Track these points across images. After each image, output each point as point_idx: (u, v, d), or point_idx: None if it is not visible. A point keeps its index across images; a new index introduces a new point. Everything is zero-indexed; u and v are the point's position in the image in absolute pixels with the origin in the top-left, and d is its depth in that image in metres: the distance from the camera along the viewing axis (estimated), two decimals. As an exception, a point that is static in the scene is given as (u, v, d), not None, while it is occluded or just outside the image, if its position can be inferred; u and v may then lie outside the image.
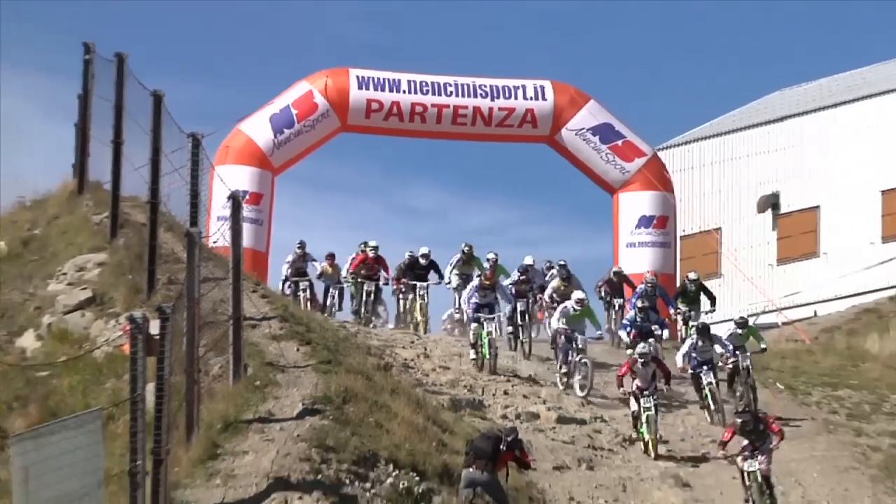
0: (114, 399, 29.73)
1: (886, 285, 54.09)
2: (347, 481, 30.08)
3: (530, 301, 44.49)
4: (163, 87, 35.39)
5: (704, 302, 47.34)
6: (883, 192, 58.99)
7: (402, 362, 40.15)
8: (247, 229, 37.82)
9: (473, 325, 41.57)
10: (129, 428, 27.46)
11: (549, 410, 38.03)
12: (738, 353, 40.32)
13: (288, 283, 49.33)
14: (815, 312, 55.34)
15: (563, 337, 41.66)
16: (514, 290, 44.60)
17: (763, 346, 40.85)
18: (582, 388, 40.84)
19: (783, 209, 61.16)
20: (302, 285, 48.85)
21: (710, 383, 39.39)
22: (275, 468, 29.60)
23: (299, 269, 49.31)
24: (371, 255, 44.83)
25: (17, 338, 34.40)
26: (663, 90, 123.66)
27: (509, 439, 31.39)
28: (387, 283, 46.01)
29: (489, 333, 40.73)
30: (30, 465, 26.79)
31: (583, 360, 41.02)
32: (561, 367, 42.05)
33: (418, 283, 44.34)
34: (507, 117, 54.11)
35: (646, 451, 36.10)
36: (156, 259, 33.87)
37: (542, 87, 54.37)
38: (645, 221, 54.04)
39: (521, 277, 44.92)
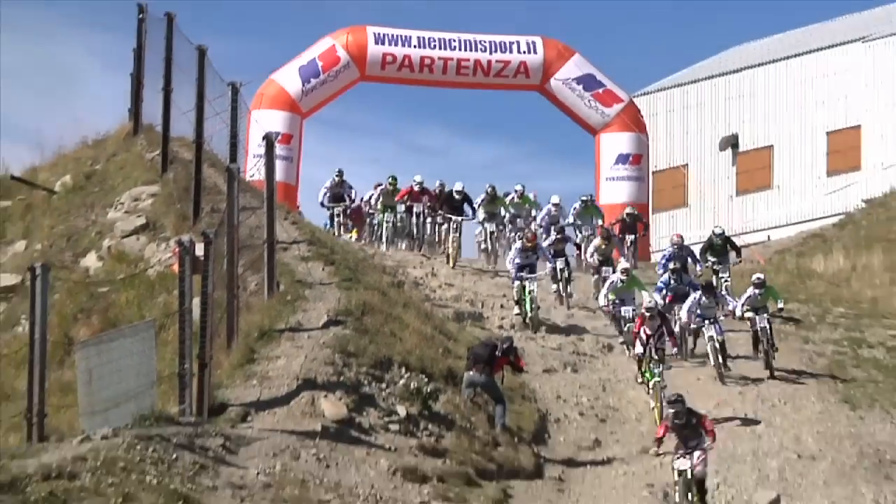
0: (165, 311, 29.87)
1: (830, 213, 54.03)
2: (366, 382, 30.25)
3: (568, 258, 41.83)
4: (205, 42, 35.61)
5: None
6: (828, 133, 59.02)
7: (413, 280, 40.18)
8: (279, 165, 38.00)
9: (516, 283, 39.14)
10: (177, 336, 27.69)
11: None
12: (757, 314, 36.16)
13: (326, 207, 48.38)
14: (769, 237, 55.34)
15: (611, 316, 38.56)
16: (552, 250, 41.38)
17: (780, 304, 37.12)
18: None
19: (741, 148, 61.18)
20: (337, 210, 47.83)
21: (712, 338, 35.19)
22: (303, 371, 29.75)
23: (336, 194, 48.21)
24: (416, 188, 43.56)
25: (81, 258, 34.51)
26: (639, 44, 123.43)
27: (505, 346, 31.68)
28: (431, 208, 44.26)
29: (531, 292, 38.50)
30: (92, 368, 26.97)
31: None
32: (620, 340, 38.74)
33: (452, 217, 42.13)
34: (503, 69, 54.26)
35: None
36: (200, 191, 33.95)
37: (534, 43, 54.51)
38: (622, 159, 54.19)
39: (558, 237, 42.36)
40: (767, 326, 35.12)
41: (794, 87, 59.81)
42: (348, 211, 48.60)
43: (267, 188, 33.96)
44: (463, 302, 38.62)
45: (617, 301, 38.36)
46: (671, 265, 39.33)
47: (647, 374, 33.30)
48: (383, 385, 30.38)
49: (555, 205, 47.09)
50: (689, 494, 27.79)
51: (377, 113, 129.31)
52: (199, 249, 28.02)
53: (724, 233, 40.87)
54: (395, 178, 47.31)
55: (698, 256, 41.80)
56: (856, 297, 43.91)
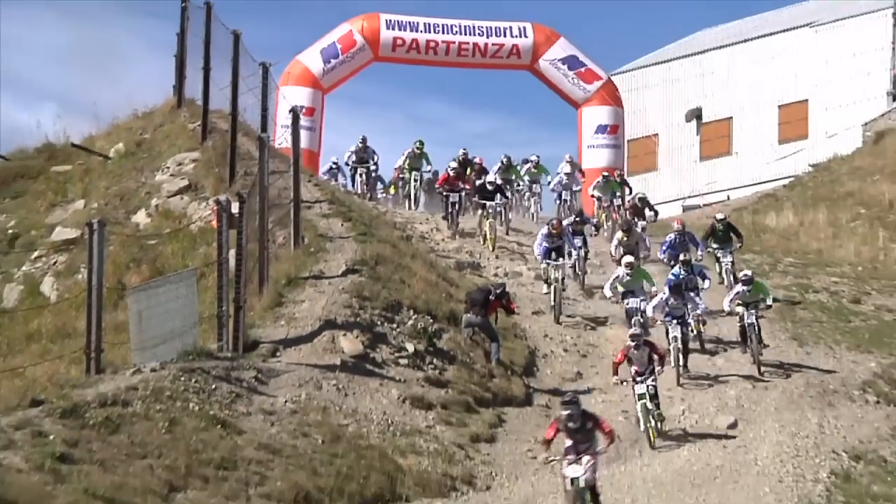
0: (205, 261, 29.88)
1: (781, 176, 53.89)
2: (379, 322, 30.33)
3: (586, 237, 38.48)
4: (239, 27, 35.60)
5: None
6: (779, 106, 58.87)
7: (419, 234, 40.11)
8: (303, 135, 38.01)
9: (543, 264, 36.08)
10: (216, 282, 27.76)
11: (528, 270, 37.96)
12: (747, 309, 31.70)
13: (350, 167, 47.52)
14: (728, 197, 55.13)
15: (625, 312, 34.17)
16: (571, 230, 37.62)
17: (769, 302, 31.90)
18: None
19: (705, 119, 60.91)
20: (360, 170, 46.99)
21: (676, 338, 30.86)
22: (324, 313, 29.85)
23: (361, 158, 47.31)
24: (453, 174, 41.35)
25: (132, 215, 34.51)
26: (616, 29, 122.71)
27: (498, 291, 31.91)
28: (467, 193, 41.54)
29: (556, 280, 35.18)
30: (142, 310, 27.05)
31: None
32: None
33: (487, 203, 39.73)
34: (497, 51, 54.14)
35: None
36: (235, 157, 33.95)
37: (525, 28, 54.37)
38: (601, 129, 54.10)
39: (577, 219, 38.97)
40: (755, 323, 31.42)
41: (750, 67, 59.62)
42: (372, 174, 47.76)
43: (293, 154, 34.26)
44: (463, 253, 38.55)
45: (624, 293, 34.65)
46: (672, 253, 36.07)
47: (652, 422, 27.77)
48: (394, 325, 30.49)
49: (566, 174, 46.21)
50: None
51: (388, 89, 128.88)
52: (235, 208, 28.20)
53: (726, 219, 37.74)
54: (421, 143, 46.69)
55: (700, 242, 37.60)
56: (803, 249, 43.89)
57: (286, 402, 26.36)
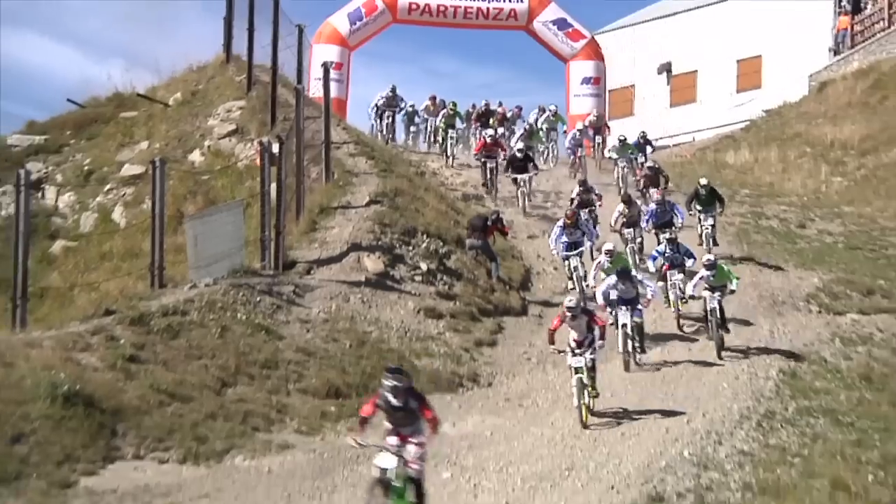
0: (250, 193, 29.86)
1: (739, 121, 53.73)
2: (397, 245, 30.40)
3: (594, 208, 33.99)
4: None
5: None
6: (737, 60, 58.67)
7: (432, 171, 40.08)
8: (333, 86, 37.94)
9: (566, 262, 31.23)
10: (259, 211, 27.75)
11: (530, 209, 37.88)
12: (712, 293, 27.22)
13: (377, 111, 46.42)
14: (694, 138, 54.88)
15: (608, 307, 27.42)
16: (578, 199, 34.10)
17: (733, 287, 27.33)
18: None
19: (674, 72, 60.64)
20: (387, 114, 46.20)
21: (625, 325, 25.97)
22: (351, 237, 29.92)
23: (390, 104, 46.60)
24: (489, 140, 38.64)
25: (188, 154, 34.54)
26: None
27: (493, 218, 32.12)
28: (504, 159, 38.30)
29: (576, 268, 30.67)
30: (198, 235, 27.12)
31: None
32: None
33: (518, 177, 36.78)
34: (498, 14, 53.91)
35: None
36: (275, 105, 33.88)
37: (523, -7, 54.36)
38: (586, 80, 53.96)
39: (581, 189, 34.63)
40: (717, 307, 26.94)
41: (713, 28, 59.31)
42: (399, 118, 47.32)
43: (324, 103, 34.23)
44: (468, 187, 38.52)
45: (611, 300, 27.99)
46: (668, 234, 30.72)
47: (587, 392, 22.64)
48: (410, 247, 30.55)
49: (579, 130, 44.38)
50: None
51: (405, 47, 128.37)
52: (275, 148, 28.27)
53: (709, 184, 33.85)
54: (455, 104, 45.28)
55: (685, 206, 33.61)
56: (757, 182, 43.76)
57: (319, 312, 26.55)
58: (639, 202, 34.99)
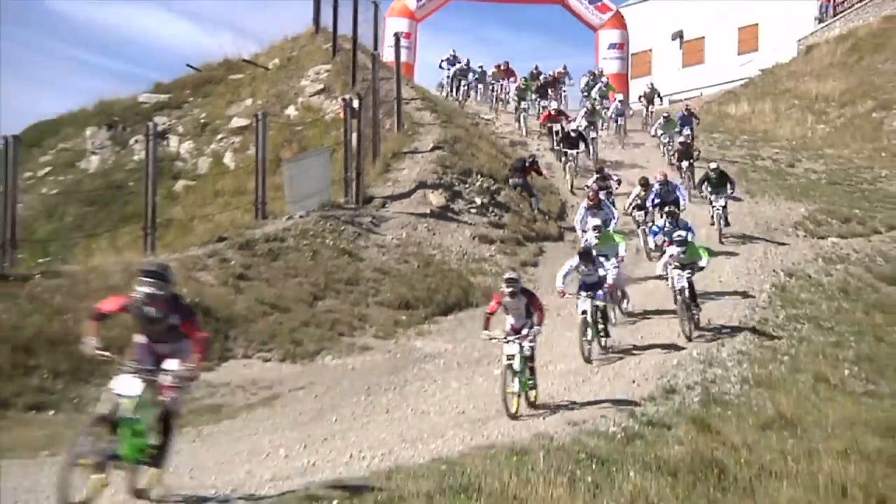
0: (335, 141, 29.79)
1: (739, 78, 53.19)
2: (456, 183, 30.35)
3: (611, 190, 29.26)
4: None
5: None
6: (738, 28, 58.22)
7: (485, 122, 39.90)
8: (403, 52, 37.76)
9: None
10: (343, 156, 27.72)
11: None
12: (682, 271, 22.74)
13: (453, 79, 44.45)
14: (701, 94, 54.29)
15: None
16: (596, 186, 28.52)
17: (702, 264, 22.91)
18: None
19: (685, 38, 60.28)
20: (463, 83, 44.06)
21: (585, 312, 20.77)
22: (418, 177, 29.96)
23: (464, 73, 44.38)
24: (553, 112, 36.90)
25: (285, 109, 34.52)
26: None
27: (529, 161, 32.11)
28: (570, 123, 35.66)
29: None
30: (293, 175, 27.16)
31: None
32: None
33: (569, 151, 33.62)
34: (539, -9, 53.73)
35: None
36: (356, 68, 33.82)
37: (558, -25, 53.96)
38: (612, 46, 53.55)
39: (598, 177, 29.58)
40: (686, 286, 22.20)
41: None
42: (470, 84, 45.25)
43: (396, 66, 34.20)
44: (514, 135, 38.32)
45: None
46: (656, 201, 28.19)
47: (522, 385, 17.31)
48: (466, 185, 30.50)
49: (620, 101, 42.61)
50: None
51: (462, 19, 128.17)
52: (356, 104, 28.23)
53: (718, 167, 30.22)
54: (525, 79, 43.29)
55: (696, 187, 31.30)
56: (753, 129, 43.45)
57: (392, 238, 26.59)
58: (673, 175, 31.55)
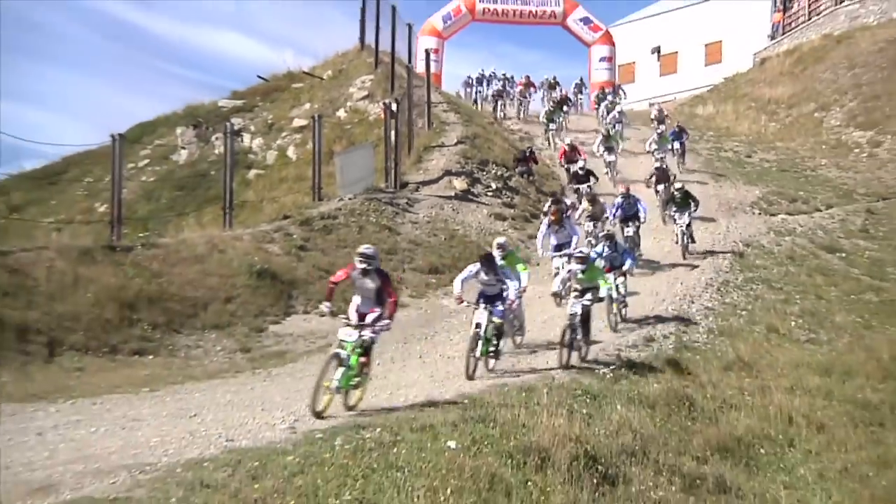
0: (378, 137, 29.66)
1: (705, 85, 52.90)
2: (476, 171, 30.34)
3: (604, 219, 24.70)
4: (397, 4, 35.23)
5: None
6: (705, 44, 57.87)
7: (498, 122, 39.69)
8: (432, 64, 37.31)
9: (554, 261, 21.81)
10: (384, 149, 27.63)
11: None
12: (580, 297, 16.98)
13: (493, 99, 41.47)
14: (675, 98, 53.99)
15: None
16: (588, 214, 24.40)
17: (602, 294, 17.07)
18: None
19: (662, 53, 59.94)
20: (501, 102, 40.51)
21: (479, 325, 15.61)
22: (444, 165, 29.96)
23: (500, 93, 41.23)
24: (568, 148, 31.32)
25: (336, 112, 34.34)
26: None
27: (529, 151, 32.48)
28: (584, 163, 29.83)
29: (558, 269, 20.67)
30: (343, 165, 27.07)
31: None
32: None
33: (580, 187, 28.47)
34: (542, 14, 52.92)
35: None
36: (394, 77, 33.62)
37: (559, 1, 53.22)
38: (602, 59, 52.88)
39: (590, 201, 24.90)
40: (578, 312, 16.45)
41: (688, 22, 58.53)
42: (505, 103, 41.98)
43: (426, 76, 34.15)
44: (521, 133, 38.09)
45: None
46: (630, 228, 23.95)
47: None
48: (485, 172, 30.43)
49: (619, 111, 38.75)
50: None
51: (479, 37, 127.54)
52: (394, 107, 28.15)
53: (683, 187, 25.86)
54: (555, 101, 39.61)
55: (661, 207, 27.12)
56: (718, 127, 43.26)
57: (424, 216, 26.54)
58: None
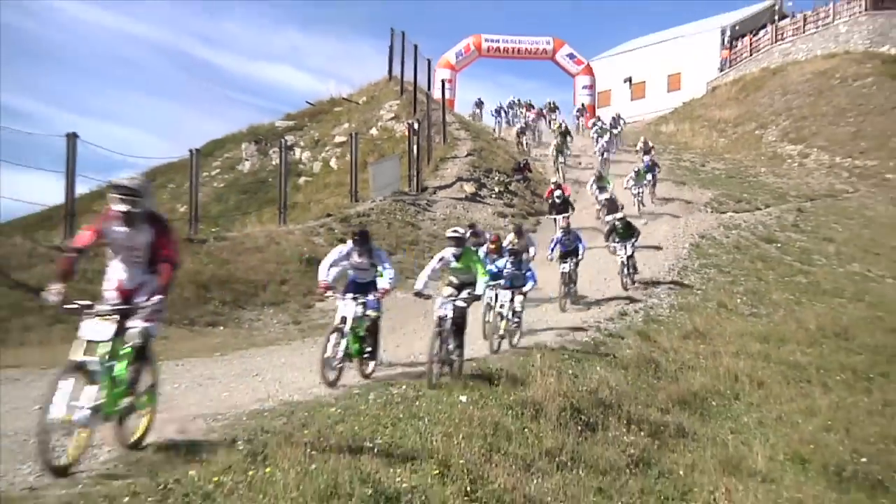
0: (403, 150, 29.64)
1: (669, 108, 52.69)
2: (482, 178, 30.18)
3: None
4: (417, 40, 35.13)
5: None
6: (668, 75, 57.62)
7: (502, 139, 39.48)
8: (447, 92, 37.42)
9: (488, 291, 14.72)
10: (407, 160, 27.55)
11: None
12: (450, 298, 11.90)
13: (519, 132, 37.41)
14: (644, 118, 53.83)
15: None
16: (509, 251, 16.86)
17: (478, 290, 11.88)
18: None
19: (633, 82, 59.61)
20: (527, 135, 37.46)
21: (344, 321, 11.18)
22: (457, 173, 29.85)
23: (524, 131, 37.59)
24: (554, 186, 26.34)
25: (370, 130, 34.11)
26: (592, 38, 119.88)
27: (522, 163, 32.29)
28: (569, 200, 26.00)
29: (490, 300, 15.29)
30: (375, 172, 27.04)
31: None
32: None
33: (557, 217, 23.57)
34: (536, 52, 52.87)
35: None
36: (416, 102, 33.55)
37: (549, 40, 53.08)
38: (585, 87, 52.69)
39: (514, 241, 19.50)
40: (450, 315, 11.40)
41: (655, 57, 58.10)
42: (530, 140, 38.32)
43: (442, 101, 34.17)
44: (520, 148, 37.77)
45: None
46: (566, 265, 18.79)
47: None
48: (489, 179, 30.31)
49: (606, 141, 34.73)
50: None
51: (485, 69, 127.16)
52: (416, 126, 28.11)
53: (624, 217, 21.29)
54: (562, 133, 34.72)
55: (604, 238, 20.94)
56: (678, 142, 43.14)
57: (440, 214, 26.45)
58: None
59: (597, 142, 35.59)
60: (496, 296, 14.64)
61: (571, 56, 53.73)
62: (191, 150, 20.99)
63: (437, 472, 7.71)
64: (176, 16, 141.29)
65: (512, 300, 14.71)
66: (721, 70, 53.94)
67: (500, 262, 15.19)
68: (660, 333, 16.73)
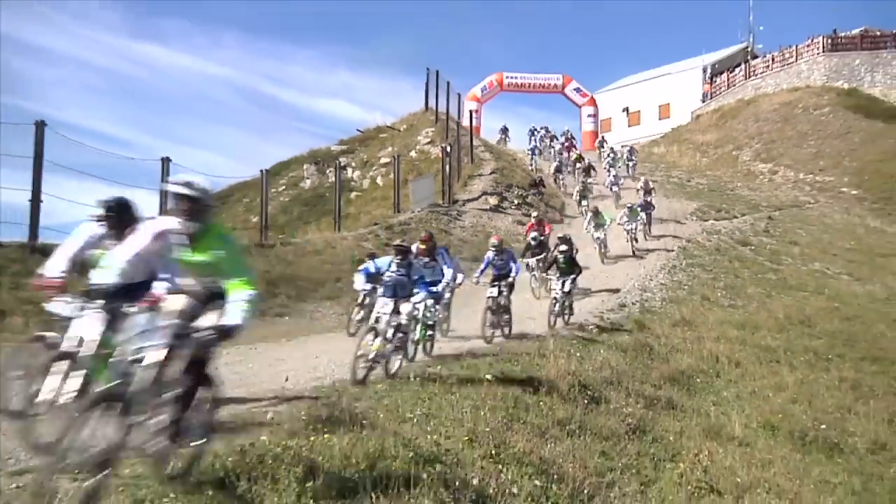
0: (437, 169, 29.58)
1: (660, 133, 52.28)
2: (504, 191, 29.99)
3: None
4: (450, 77, 35.10)
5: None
6: (659, 105, 57.11)
7: (520, 160, 39.31)
8: (474, 121, 37.31)
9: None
10: (441, 177, 27.43)
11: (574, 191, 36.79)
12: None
13: (557, 168, 34.72)
14: (639, 142, 53.20)
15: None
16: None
17: (416, 299, 10.18)
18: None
19: (630, 111, 59.13)
20: (559, 176, 34.10)
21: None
22: (482, 187, 29.68)
23: (559, 169, 34.61)
24: (535, 221, 22.46)
25: (409, 152, 33.81)
26: (596, 73, 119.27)
27: (538, 179, 31.68)
28: (546, 237, 21.30)
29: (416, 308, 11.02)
30: (414, 188, 27.00)
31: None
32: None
33: (529, 261, 19.08)
34: (548, 86, 52.86)
35: None
36: (448, 129, 33.51)
37: (559, 76, 52.94)
38: (590, 116, 52.69)
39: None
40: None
41: (648, 90, 57.63)
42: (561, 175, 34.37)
43: (470, 128, 34.11)
44: (536, 172, 37.02)
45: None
46: (495, 290, 14.03)
47: None
48: (510, 193, 30.08)
49: (615, 175, 31.67)
50: None
51: (506, 101, 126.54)
52: (448, 149, 27.94)
53: (568, 250, 16.09)
54: (583, 183, 30.65)
55: (543, 269, 16.98)
56: (668, 161, 42.89)
57: (469, 223, 26.32)
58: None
59: (608, 171, 32.40)
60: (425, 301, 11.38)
61: (578, 90, 53.55)
62: (261, 171, 21.10)
63: (467, 438, 7.70)
64: (249, 60, 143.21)
65: (425, 303, 11.15)
66: (703, 101, 53.61)
67: (394, 268, 10.55)
68: (653, 322, 16.62)
